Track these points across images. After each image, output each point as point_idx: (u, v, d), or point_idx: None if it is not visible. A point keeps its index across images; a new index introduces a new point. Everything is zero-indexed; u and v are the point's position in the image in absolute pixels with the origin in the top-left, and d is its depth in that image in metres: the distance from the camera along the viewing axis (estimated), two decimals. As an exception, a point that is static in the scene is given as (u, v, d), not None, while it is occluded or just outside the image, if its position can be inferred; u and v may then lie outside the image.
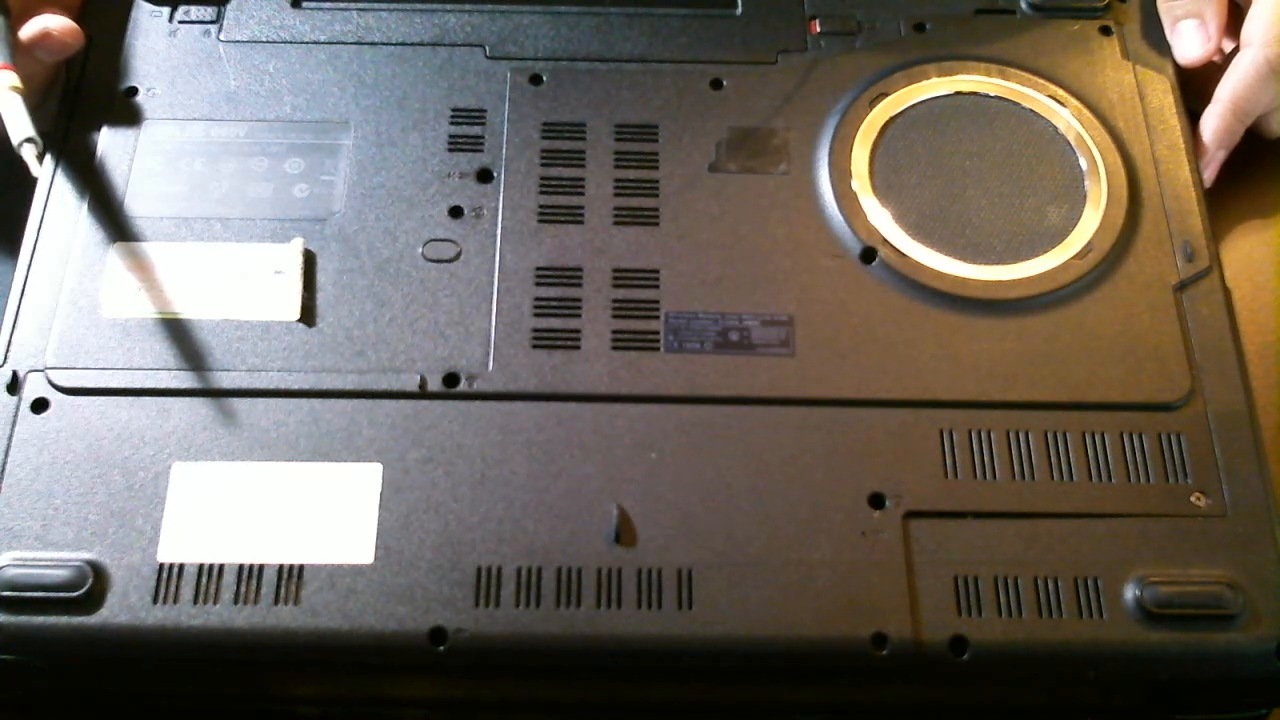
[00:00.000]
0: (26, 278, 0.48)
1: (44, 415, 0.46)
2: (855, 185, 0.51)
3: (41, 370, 0.47)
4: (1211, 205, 0.52)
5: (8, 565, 0.43)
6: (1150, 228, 0.51)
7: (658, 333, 0.48)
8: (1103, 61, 0.55)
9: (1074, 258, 0.50)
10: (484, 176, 0.52)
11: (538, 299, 0.49)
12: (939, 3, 0.57)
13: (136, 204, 0.50)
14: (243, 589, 0.43)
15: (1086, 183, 0.52)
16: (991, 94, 0.54)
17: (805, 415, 0.46)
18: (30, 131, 0.48)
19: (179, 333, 0.47)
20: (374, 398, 0.46)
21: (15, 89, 0.49)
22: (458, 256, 0.50)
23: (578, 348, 0.48)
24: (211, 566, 0.43)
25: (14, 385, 0.46)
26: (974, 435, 0.46)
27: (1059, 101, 0.53)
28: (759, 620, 0.43)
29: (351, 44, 0.55)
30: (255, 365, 0.47)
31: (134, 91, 0.53)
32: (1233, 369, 0.48)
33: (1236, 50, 0.55)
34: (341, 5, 0.56)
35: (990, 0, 0.57)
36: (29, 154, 0.48)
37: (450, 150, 0.52)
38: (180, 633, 0.42)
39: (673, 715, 0.47)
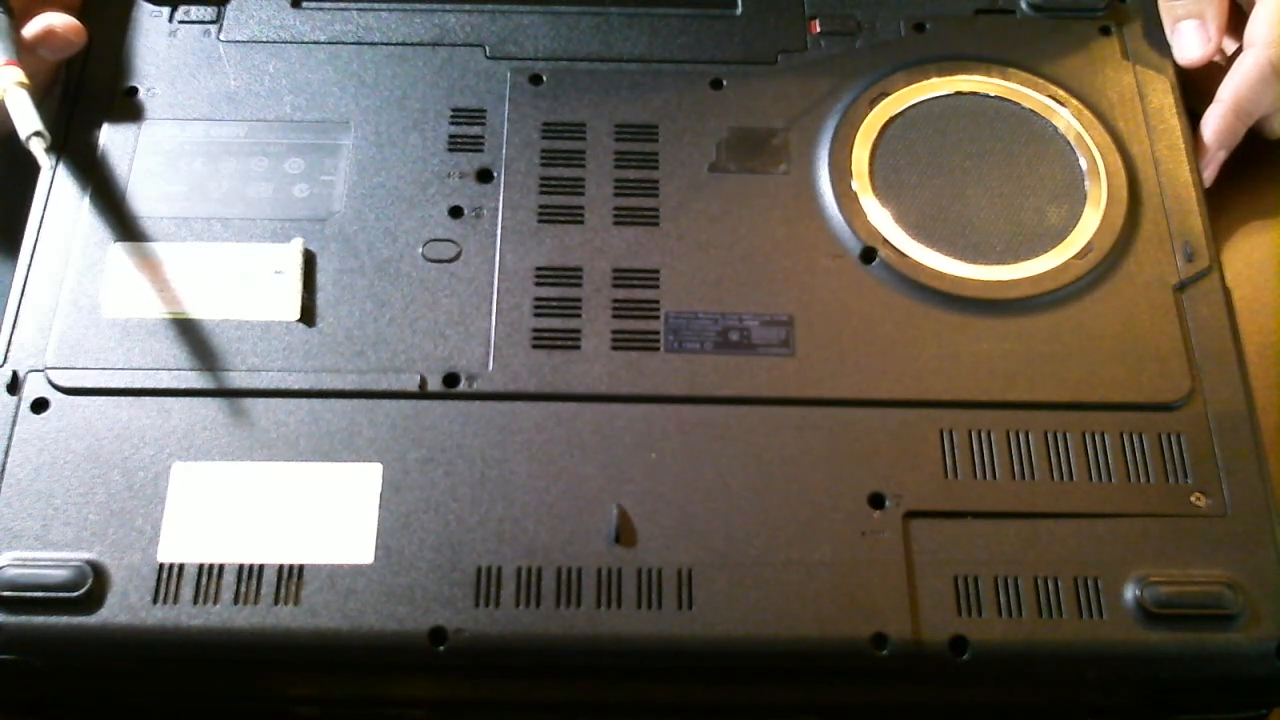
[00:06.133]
0: (26, 278, 0.48)
1: (44, 415, 0.46)
2: (855, 185, 0.51)
3: (41, 370, 0.47)
4: (1211, 205, 0.52)
5: (8, 565, 0.43)
6: (1150, 228, 0.51)
7: (658, 333, 0.48)
8: (1103, 61, 0.55)
9: (1074, 258, 0.50)
10: (484, 176, 0.52)
11: (538, 299, 0.49)
12: (939, 3, 0.57)
13: (137, 204, 0.50)
14: (243, 589, 0.43)
15: (1086, 183, 0.52)
16: (991, 94, 0.54)
17: (805, 415, 0.46)
18: (38, 125, 0.48)
19: (179, 333, 0.47)
20: (374, 398, 0.46)
21: (21, 84, 0.49)
22: (458, 256, 0.50)
23: (578, 348, 0.48)
24: (211, 566, 0.43)
25: (14, 385, 0.46)
26: (974, 435, 0.46)
27: (1059, 101, 0.53)
28: (759, 620, 0.43)
29: (351, 44, 0.55)
30: (255, 365, 0.47)
31: (134, 91, 0.53)
32: (1233, 369, 0.48)
33: (1238, 51, 0.55)
34: (341, 5, 0.56)
35: (990, 0, 0.57)
36: (37, 147, 0.48)
37: (450, 150, 0.52)
38: (180, 633, 0.42)
39: (673, 715, 0.47)
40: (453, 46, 0.55)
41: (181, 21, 0.56)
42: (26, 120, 0.48)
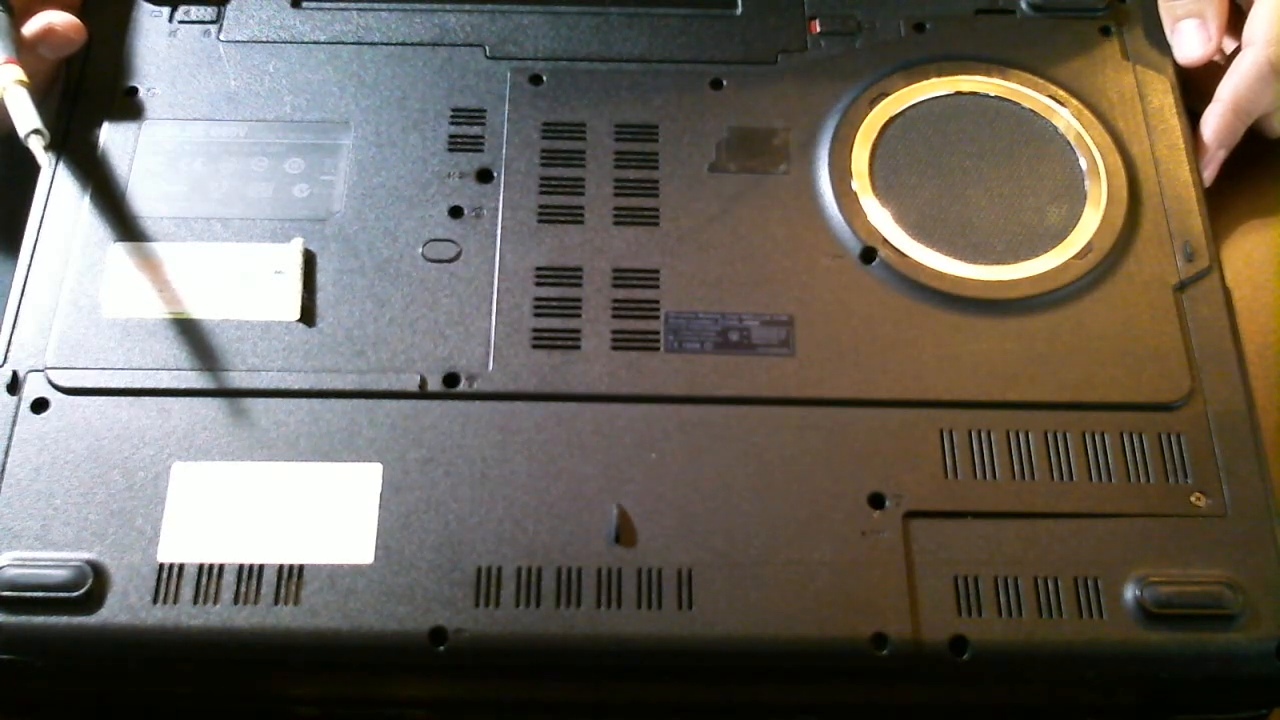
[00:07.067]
0: (26, 278, 0.48)
1: (44, 415, 0.46)
2: (855, 185, 0.51)
3: (41, 370, 0.47)
4: (1211, 205, 0.52)
5: (8, 565, 0.43)
6: (1150, 228, 0.51)
7: (658, 333, 0.48)
8: (1103, 61, 0.55)
9: (1074, 258, 0.50)
10: (484, 176, 0.52)
11: (538, 299, 0.49)
12: (939, 3, 0.57)
13: (137, 204, 0.50)
14: (243, 589, 0.43)
15: (1086, 183, 0.52)
16: (991, 94, 0.54)
17: (805, 415, 0.46)
18: (37, 123, 0.48)
19: (179, 333, 0.47)
20: (374, 398, 0.46)
21: (20, 82, 0.49)
22: (458, 256, 0.50)
23: (578, 348, 0.48)
24: (211, 566, 0.43)
25: (14, 385, 0.46)
26: (974, 435, 0.46)
27: (1059, 101, 0.53)
28: (759, 620, 0.43)
29: (351, 44, 0.55)
30: (255, 365, 0.47)
31: (134, 91, 0.53)
32: (1233, 369, 0.48)
33: (1238, 50, 0.55)
34: (341, 5, 0.56)
35: (990, 0, 0.57)
36: (36, 145, 0.48)
37: (450, 150, 0.52)
38: (180, 633, 0.42)
39: (673, 715, 0.47)
40: (453, 46, 0.55)
41: (181, 21, 0.56)
42: (25, 118, 0.48)
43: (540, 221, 0.50)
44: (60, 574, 0.43)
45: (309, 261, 0.49)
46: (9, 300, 0.48)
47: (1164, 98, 0.54)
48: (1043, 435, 0.46)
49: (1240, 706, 0.46)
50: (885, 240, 0.50)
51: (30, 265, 0.49)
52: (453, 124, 0.53)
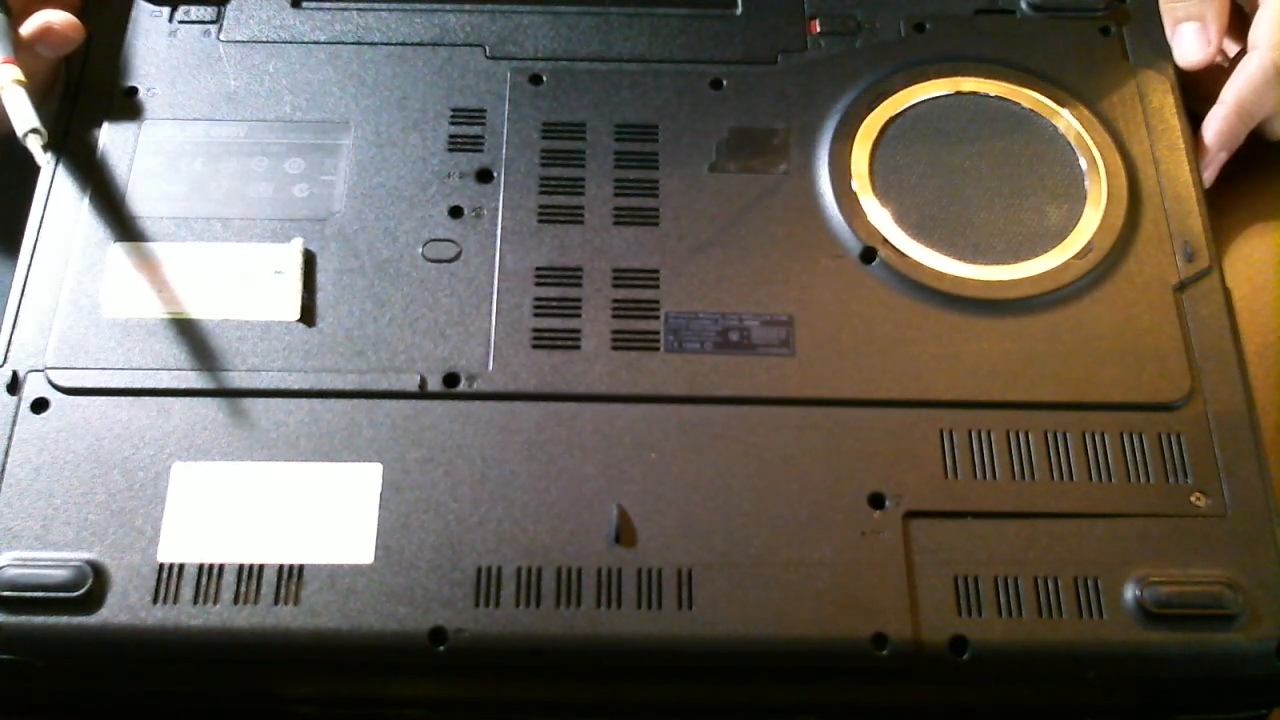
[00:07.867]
0: (26, 278, 0.48)
1: (44, 415, 0.46)
2: (855, 185, 0.51)
3: (41, 370, 0.47)
4: (1212, 206, 0.52)
5: (8, 565, 0.43)
6: (1150, 228, 0.51)
7: (658, 333, 0.48)
8: (1103, 61, 0.55)
9: (1074, 258, 0.50)
10: (484, 176, 0.52)
11: (538, 299, 0.49)
12: (939, 2, 0.57)
13: (137, 204, 0.50)
14: (243, 589, 0.43)
15: (1086, 182, 0.52)
16: (991, 94, 0.54)
17: (805, 415, 0.46)
18: (35, 122, 0.48)
19: (179, 333, 0.47)
20: (374, 398, 0.46)
21: (18, 82, 0.49)
22: (458, 256, 0.50)
23: (578, 348, 0.48)
24: (211, 566, 0.43)
25: (14, 385, 0.46)
26: (974, 435, 0.46)
27: (1059, 101, 0.53)
28: (759, 620, 0.43)
29: (351, 44, 0.55)
30: (255, 365, 0.47)
31: (134, 91, 0.53)
32: (1233, 369, 0.48)
33: (1240, 53, 0.55)
34: (341, 5, 0.56)
35: (990, 0, 0.57)
36: (34, 144, 0.48)
37: (450, 150, 0.52)
38: (180, 633, 0.42)
39: (673, 715, 0.47)
40: (453, 46, 0.55)
41: (181, 21, 0.56)
42: (23, 118, 0.48)
43: (540, 221, 0.50)
44: (60, 574, 0.43)
45: (309, 261, 0.49)
46: (9, 300, 0.48)
47: (1164, 98, 0.54)
48: (1043, 435, 0.46)
49: (1240, 706, 0.46)
50: (885, 240, 0.50)
51: (30, 265, 0.49)
52: (453, 124, 0.53)
